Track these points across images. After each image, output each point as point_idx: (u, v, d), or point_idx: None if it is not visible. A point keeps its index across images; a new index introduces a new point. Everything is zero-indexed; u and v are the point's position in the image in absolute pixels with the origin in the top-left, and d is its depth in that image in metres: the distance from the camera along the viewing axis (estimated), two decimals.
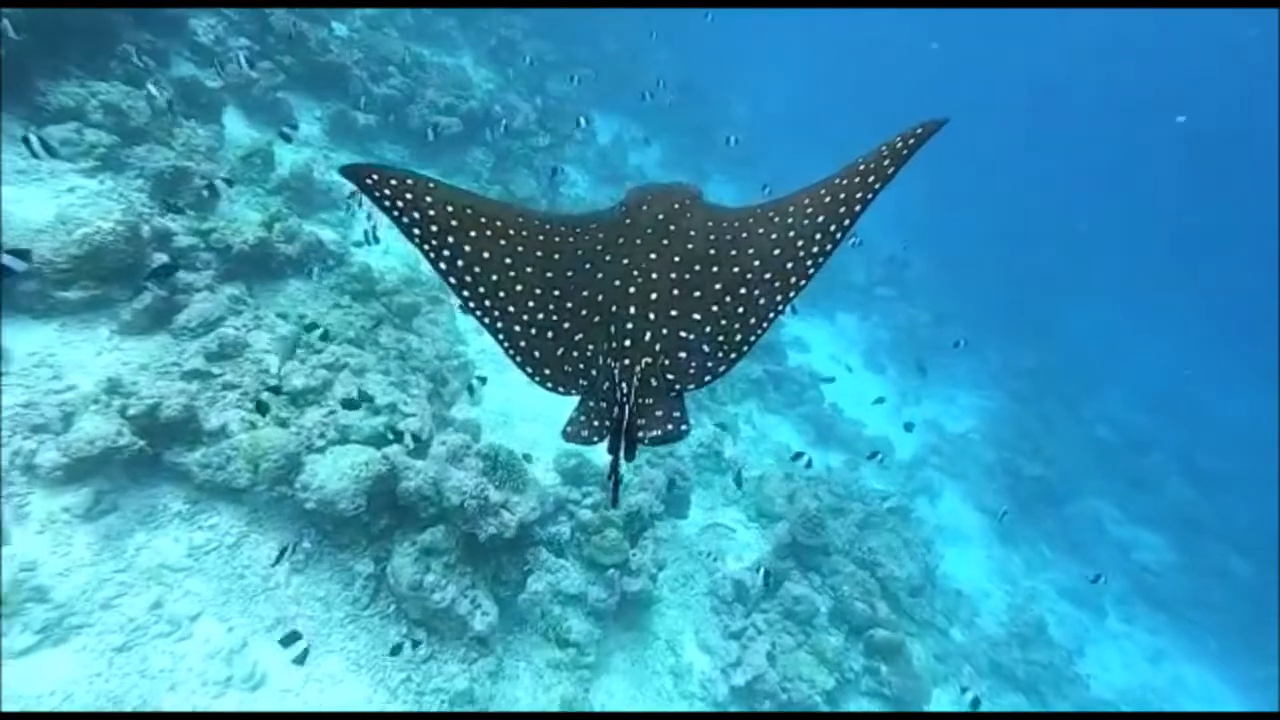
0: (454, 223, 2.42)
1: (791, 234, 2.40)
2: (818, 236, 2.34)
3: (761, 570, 8.70)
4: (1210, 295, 34.62)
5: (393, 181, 2.41)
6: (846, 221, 2.32)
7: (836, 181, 2.43)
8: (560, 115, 17.72)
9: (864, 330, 20.66)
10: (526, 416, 9.90)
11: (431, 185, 2.46)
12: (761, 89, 33.40)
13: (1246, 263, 36.31)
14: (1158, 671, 13.64)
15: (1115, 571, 15.82)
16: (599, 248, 2.54)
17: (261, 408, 6.62)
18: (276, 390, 6.97)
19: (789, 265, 2.34)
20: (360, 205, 10.70)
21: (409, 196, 2.40)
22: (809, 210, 2.42)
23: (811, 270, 2.33)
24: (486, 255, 2.43)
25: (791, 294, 2.32)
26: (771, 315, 2.30)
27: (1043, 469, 16.79)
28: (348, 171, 2.44)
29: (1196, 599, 15.64)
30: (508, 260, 2.45)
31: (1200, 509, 19.14)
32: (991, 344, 22.27)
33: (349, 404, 7.17)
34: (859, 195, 2.33)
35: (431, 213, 2.40)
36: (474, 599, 6.74)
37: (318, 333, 8.01)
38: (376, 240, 10.23)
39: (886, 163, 2.33)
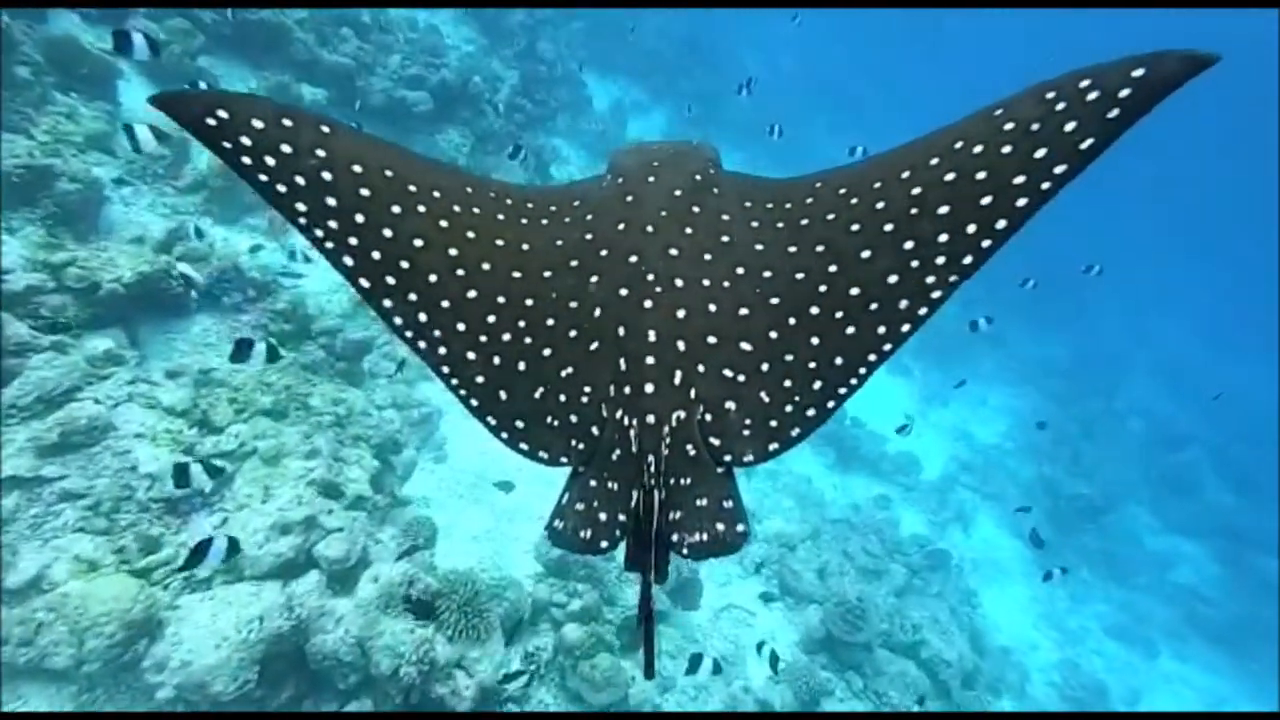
0: (364, 191, 1.51)
1: (890, 225, 1.45)
2: (943, 238, 1.39)
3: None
4: (1237, 272, 32.19)
5: (254, 122, 1.47)
6: (1021, 202, 1.34)
7: (974, 129, 1.44)
8: (552, 81, 15.11)
9: None
10: (505, 476, 7.81)
11: (325, 130, 1.54)
12: (773, 43, 30.18)
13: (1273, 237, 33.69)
14: None
15: (1162, 599, 14.06)
16: (589, 237, 1.68)
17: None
18: (216, 471, 4.92)
19: (892, 279, 1.42)
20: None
21: (285, 149, 1.47)
22: (928, 174, 1.45)
23: (937, 289, 1.37)
24: (420, 242, 1.53)
25: (905, 326, 1.40)
26: (872, 358, 1.42)
27: (1083, 484, 14.83)
28: (164, 102, 1.48)
29: (1249, 625, 13.86)
30: (452, 251, 1.56)
31: (1239, 513, 17.35)
32: (1018, 331, 20.05)
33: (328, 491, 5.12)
34: (1045, 159, 1.33)
35: (327, 176, 1.49)
36: None
37: (223, 401, 5.89)
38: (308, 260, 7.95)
39: (1098, 99, 1.30)
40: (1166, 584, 14.56)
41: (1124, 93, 1.29)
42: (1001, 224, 1.35)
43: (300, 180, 1.48)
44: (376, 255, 1.50)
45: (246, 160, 1.47)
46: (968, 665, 8.42)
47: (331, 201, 1.49)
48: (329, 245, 1.49)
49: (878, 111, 30.80)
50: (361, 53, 10.72)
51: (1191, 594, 14.39)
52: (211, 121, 1.48)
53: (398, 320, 1.50)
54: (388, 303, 1.49)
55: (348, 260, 1.48)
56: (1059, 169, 1.32)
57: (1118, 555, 14.57)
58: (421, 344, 1.51)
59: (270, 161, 1.47)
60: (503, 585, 6.23)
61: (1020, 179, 1.35)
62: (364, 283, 1.49)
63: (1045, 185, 1.33)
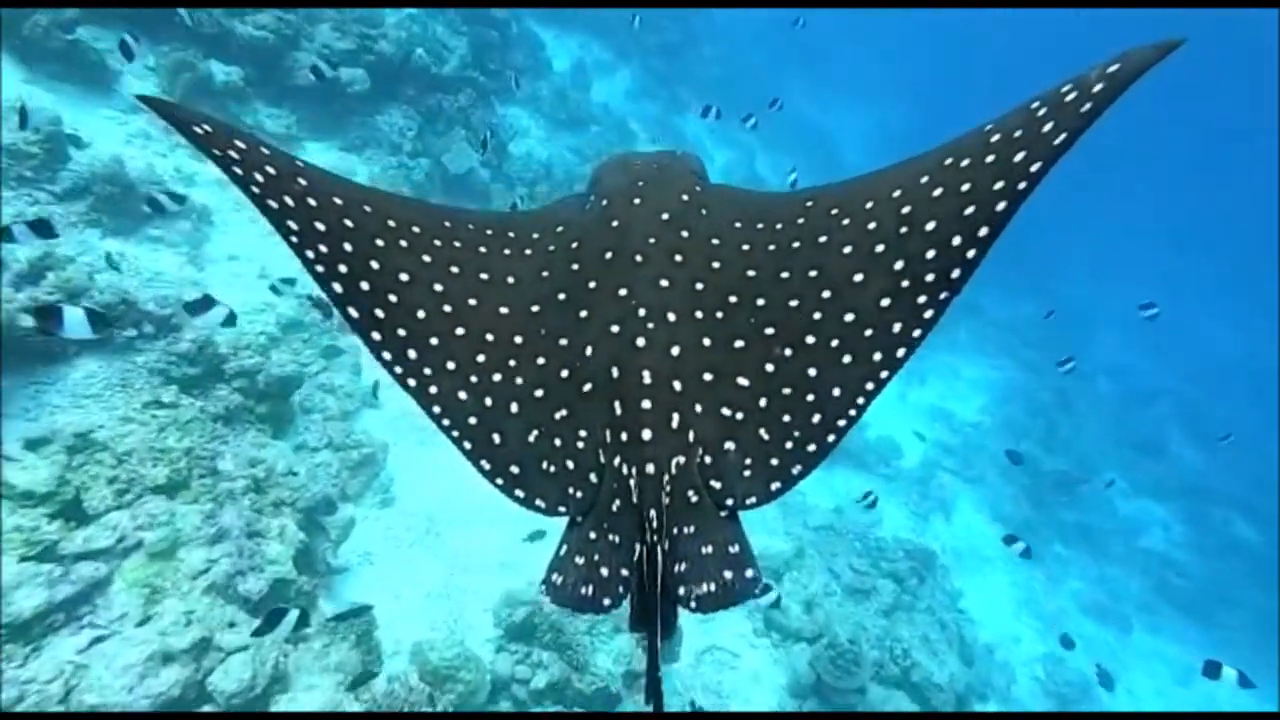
0: (348, 221, 1.45)
1: (881, 246, 1.37)
2: (930, 254, 1.31)
3: None
4: (1201, 220, 31.72)
5: (237, 141, 1.42)
6: (1000, 206, 1.26)
7: (964, 144, 1.39)
8: (506, 45, 13.41)
9: None
10: (462, 519, 6.78)
11: (300, 164, 1.51)
12: None
13: (1241, 190, 33.20)
14: (1190, 693, 11.70)
15: (1134, 569, 13.78)
16: (576, 268, 1.56)
17: None
18: None
19: (884, 302, 1.34)
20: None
21: (271, 171, 1.42)
22: (917, 192, 1.38)
23: (929, 308, 1.29)
24: (405, 277, 1.46)
25: (900, 350, 1.30)
26: (870, 386, 1.32)
27: (1060, 458, 14.38)
28: (155, 105, 1.45)
29: (1214, 589, 13.69)
30: (438, 287, 1.49)
31: (1205, 470, 17.24)
32: (989, 294, 19.28)
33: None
34: (1023, 161, 1.27)
35: (312, 202, 1.44)
36: None
37: (102, 479, 4.71)
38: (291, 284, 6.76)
39: (1075, 98, 1.26)
40: (1137, 552, 14.28)
41: (1098, 87, 1.24)
42: (984, 231, 1.27)
43: (290, 201, 1.40)
44: (365, 285, 1.41)
45: (239, 171, 1.39)
46: (959, 686, 7.81)
47: (320, 226, 1.41)
48: (320, 269, 1.39)
49: (850, 65, 29.15)
50: (284, 24, 9.06)
51: (1162, 561, 14.17)
52: (199, 130, 1.39)
53: (386, 355, 1.41)
54: (376, 335, 1.40)
55: (337, 287, 1.39)
56: (1034, 167, 1.25)
57: (1092, 526, 14.22)
58: (411, 381, 1.40)
59: (259, 178, 1.39)
60: (457, 665, 5.30)
61: (1000, 184, 1.28)
62: (352, 312, 1.40)
63: (1022, 185, 1.26)
